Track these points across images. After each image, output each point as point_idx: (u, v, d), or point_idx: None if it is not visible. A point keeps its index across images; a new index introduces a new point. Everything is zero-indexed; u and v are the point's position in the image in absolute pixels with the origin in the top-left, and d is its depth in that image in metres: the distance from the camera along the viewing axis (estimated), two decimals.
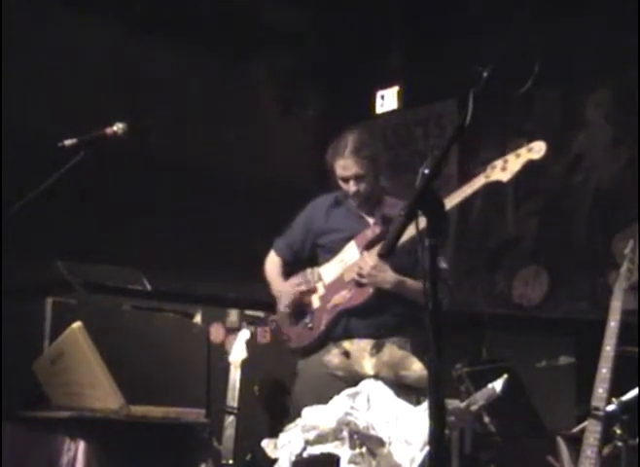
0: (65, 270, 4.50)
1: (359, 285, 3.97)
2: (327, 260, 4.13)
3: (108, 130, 3.55)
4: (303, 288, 4.11)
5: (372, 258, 3.92)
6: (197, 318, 4.80)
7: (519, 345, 5.45)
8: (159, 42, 6.47)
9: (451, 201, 3.58)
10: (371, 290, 3.95)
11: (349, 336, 3.95)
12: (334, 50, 7.30)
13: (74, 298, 4.25)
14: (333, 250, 4.11)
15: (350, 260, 4.03)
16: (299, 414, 3.51)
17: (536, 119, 6.29)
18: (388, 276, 3.93)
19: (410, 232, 3.90)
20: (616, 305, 3.50)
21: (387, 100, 7.26)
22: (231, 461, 3.95)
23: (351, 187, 4.06)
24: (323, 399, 3.53)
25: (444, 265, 4.01)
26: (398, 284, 3.94)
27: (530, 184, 6.19)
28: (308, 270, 4.17)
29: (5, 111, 5.41)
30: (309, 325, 4.07)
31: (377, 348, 3.51)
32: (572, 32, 5.95)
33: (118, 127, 3.55)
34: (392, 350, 3.52)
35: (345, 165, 4.03)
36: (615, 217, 5.80)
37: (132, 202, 5.97)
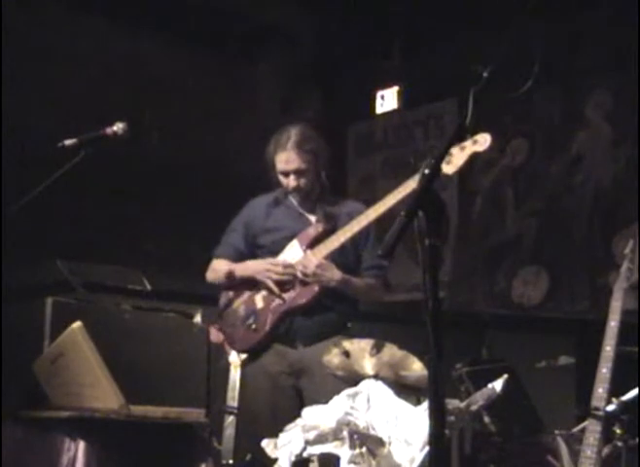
0: (65, 270, 4.49)
1: (303, 284, 3.90)
2: None
3: (108, 130, 3.55)
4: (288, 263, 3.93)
5: (316, 256, 3.86)
6: (197, 318, 4.79)
7: (519, 345, 5.45)
8: (159, 41, 6.47)
9: (396, 196, 3.62)
10: (316, 288, 3.88)
11: (293, 336, 3.91)
12: (334, 50, 7.30)
13: (74, 298, 4.25)
14: (274, 250, 4.03)
15: (293, 259, 3.95)
16: (251, 420, 3.53)
17: (536, 119, 6.28)
18: (334, 274, 3.87)
19: (351, 229, 3.91)
20: (616, 305, 3.50)
21: (387, 100, 7.25)
22: (231, 461, 3.95)
23: (291, 182, 3.96)
24: (275, 401, 3.54)
25: (385, 263, 3.95)
26: (343, 282, 3.89)
27: (530, 184, 6.18)
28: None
29: (5, 111, 5.41)
30: (253, 326, 3.98)
31: (378, 348, 3.51)
32: (572, 32, 5.94)
33: (118, 127, 3.55)
34: (392, 350, 3.52)
35: (287, 159, 3.94)
36: (615, 217, 5.79)
37: (133, 202, 5.97)
